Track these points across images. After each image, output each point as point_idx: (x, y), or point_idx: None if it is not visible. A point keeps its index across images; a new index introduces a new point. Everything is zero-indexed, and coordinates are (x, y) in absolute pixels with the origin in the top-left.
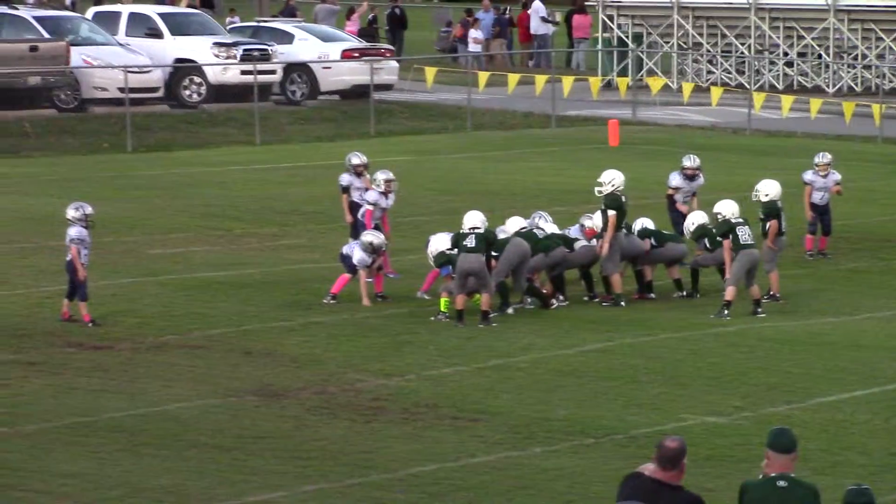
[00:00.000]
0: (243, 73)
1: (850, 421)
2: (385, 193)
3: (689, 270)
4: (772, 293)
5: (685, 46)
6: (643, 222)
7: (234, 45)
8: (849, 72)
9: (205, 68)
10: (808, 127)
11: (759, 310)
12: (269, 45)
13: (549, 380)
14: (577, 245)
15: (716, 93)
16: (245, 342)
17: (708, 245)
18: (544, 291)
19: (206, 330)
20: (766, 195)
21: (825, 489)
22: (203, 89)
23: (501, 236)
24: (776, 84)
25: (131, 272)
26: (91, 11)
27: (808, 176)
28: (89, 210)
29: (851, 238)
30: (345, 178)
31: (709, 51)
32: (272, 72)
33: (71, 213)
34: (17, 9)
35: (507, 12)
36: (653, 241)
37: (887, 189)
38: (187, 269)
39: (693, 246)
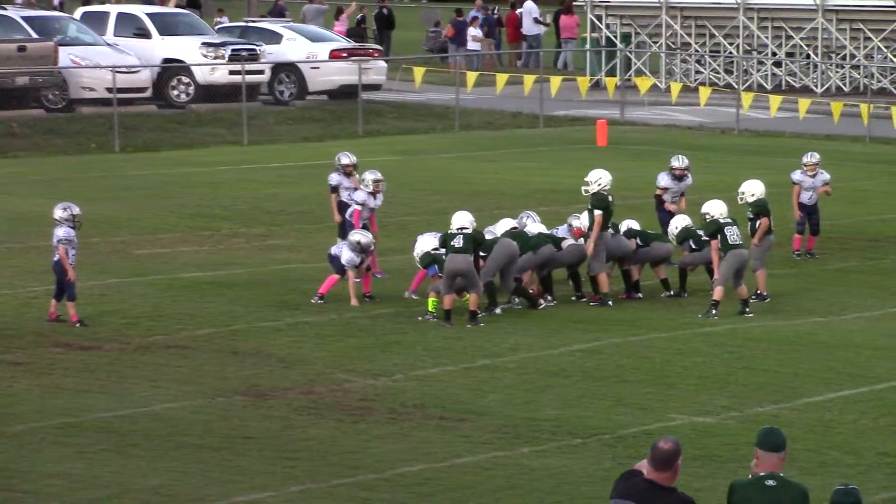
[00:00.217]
0: (231, 73)
1: (838, 421)
2: (373, 193)
3: (676, 270)
4: (759, 292)
5: (673, 46)
6: (629, 223)
7: (223, 45)
8: (837, 72)
9: (193, 68)
10: (797, 127)
11: (747, 309)
12: (257, 46)
13: (537, 380)
14: (565, 244)
15: (704, 93)
16: (232, 342)
17: (693, 245)
18: (532, 291)
19: (193, 330)
20: (753, 195)
21: (813, 489)
22: (191, 89)
23: (489, 237)
24: (764, 84)
25: (119, 272)
26: (79, 11)
27: (797, 176)
28: (77, 210)
29: (839, 238)
30: (334, 178)
31: (697, 51)
32: (260, 72)
33: (58, 213)
34: (5, 9)
35: (496, 12)
36: (638, 240)
37: (875, 189)
38: (175, 269)
39: (679, 248)
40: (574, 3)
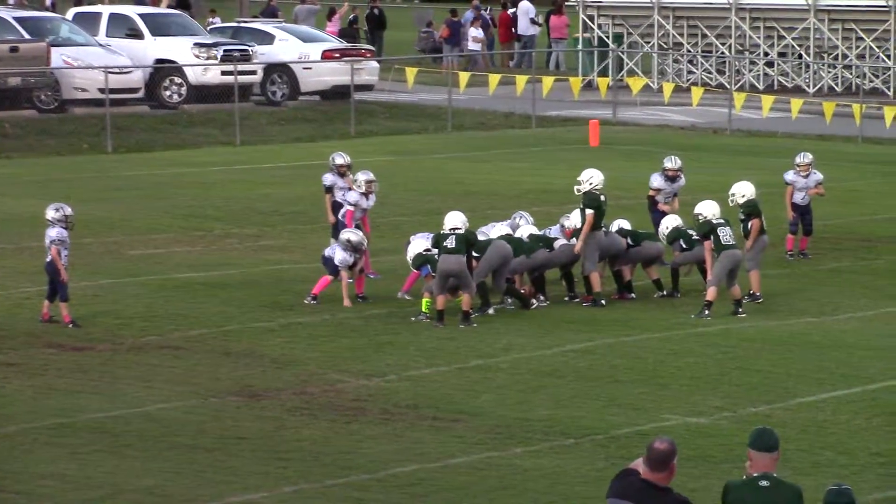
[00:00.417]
0: (224, 73)
1: (831, 421)
2: (366, 194)
3: (668, 271)
4: (752, 292)
5: (666, 47)
6: (619, 223)
7: (215, 45)
8: (829, 72)
9: (185, 69)
10: (789, 127)
11: (740, 310)
12: (249, 46)
13: (530, 380)
14: (557, 244)
15: (696, 93)
16: (225, 343)
17: (683, 245)
18: (524, 292)
19: (186, 331)
20: (744, 196)
21: (806, 489)
22: (183, 90)
23: (482, 237)
24: (757, 84)
25: (111, 273)
26: (71, 12)
27: (790, 176)
28: (69, 211)
29: (832, 238)
30: (328, 178)
31: (689, 51)
32: (252, 72)
33: (51, 213)
34: None
35: (489, 12)
36: (629, 240)
37: (868, 189)
38: (168, 269)
39: (670, 248)
40: (566, 4)
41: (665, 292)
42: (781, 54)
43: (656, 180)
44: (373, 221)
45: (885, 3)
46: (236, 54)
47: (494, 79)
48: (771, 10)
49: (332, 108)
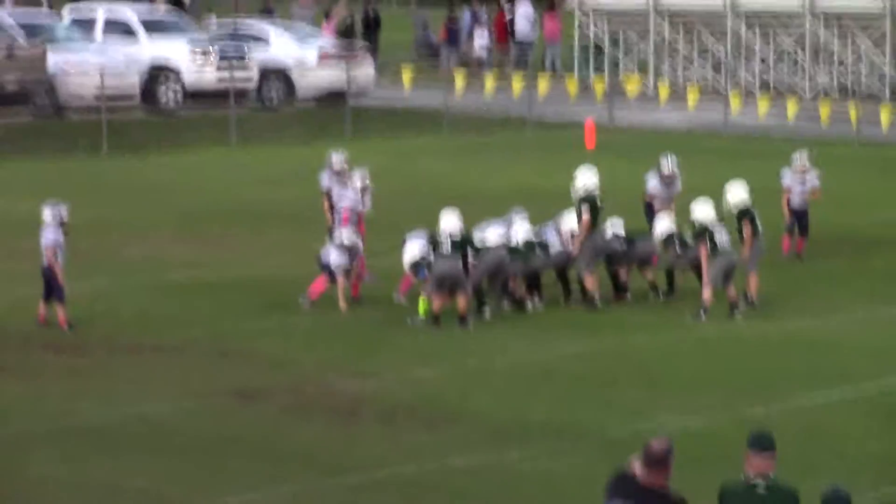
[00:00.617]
0: (220, 76)
1: (827, 422)
2: (361, 195)
3: (663, 273)
4: (748, 297)
5: (661, 49)
6: (612, 224)
7: (211, 48)
8: (825, 74)
9: (181, 72)
10: (785, 129)
11: (736, 312)
12: (245, 49)
13: (526, 382)
14: (553, 249)
15: (692, 95)
16: (221, 344)
17: (679, 247)
18: (519, 295)
19: (181, 332)
20: (736, 199)
21: (802, 491)
22: (180, 94)
23: (479, 236)
24: (752, 86)
25: (107, 275)
26: (67, 12)
27: (787, 180)
28: (65, 213)
29: (828, 240)
30: (325, 180)
31: (685, 54)
32: (248, 78)
33: (47, 216)
34: None
35: (485, 13)
36: (623, 240)
37: (864, 191)
38: (163, 271)
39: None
40: (562, 5)
41: (661, 295)
42: (778, 57)
43: (652, 183)
44: (368, 224)
45: (880, 6)
46: (232, 57)
47: (491, 81)
48: (767, 13)
49: (328, 110)
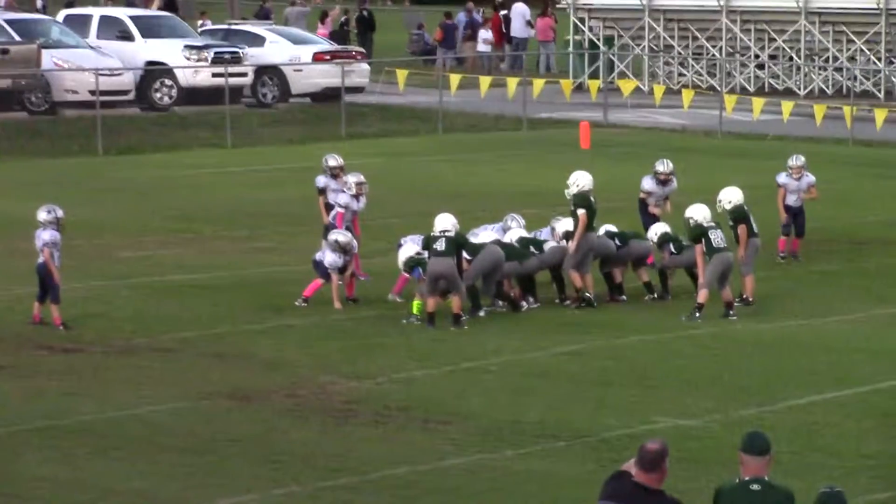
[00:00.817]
0: (214, 75)
1: (822, 423)
2: (356, 196)
3: (657, 273)
4: (744, 297)
5: (656, 49)
6: (606, 227)
7: (205, 47)
8: (820, 74)
9: (176, 71)
10: (780, 129)
11: (731, 312)
12: (239, 48)
13: (520, 382)
14: (547, 246)
15: (687, 95)
16: (216, 345)
17: (673, 249)
18: (513, 294)
19: (177, 333)
20: (730, 202)
21: (797, 492)
22: (174, 92)
23: (473, 240)
24: (747, 86)
25: (102, 275)
26: (62, 14)
27: (782, 178)
28: (60, 213)
29: (823, 240)
30: (321, 180)
31: (680, 53)
32: (243, 74)
33: (42, 215)
34: None
35: (481, 14)
36: (617, 241)
37: (859, 191)
38: (158, 271)
39: (659, 252)
40: (557, 6)
41: (656, 295)
42: (772, 57)
43: (648, 183)
44: (363, 223)
45: (875, 6)
46: (227, 56)
47: (486, 81)
48: (762, 13)
49: (323, 110)
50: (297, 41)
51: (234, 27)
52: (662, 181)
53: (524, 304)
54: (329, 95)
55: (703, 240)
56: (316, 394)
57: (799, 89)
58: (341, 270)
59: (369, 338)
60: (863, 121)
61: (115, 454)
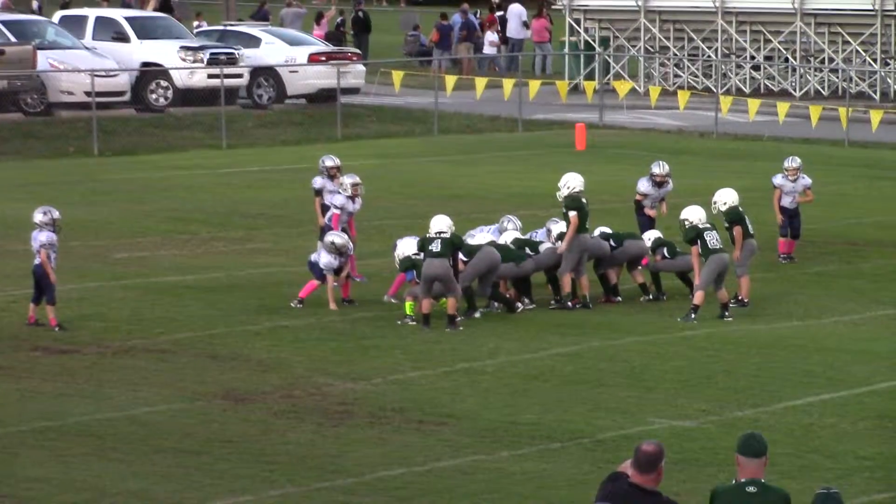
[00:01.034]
0: (210, 76)
1: (818, 424)
2: (352, 197)
3: (650, 275)
4: (740, 297)
5: (652, 50)
6: (600, 229)
7: (201, 48)
8: (816, 75)
9: (171, 72)
10: (776, 130)
11: (727, 314)
12: (235, 49)
13: (516, 384)
14: (542, 248)
15: (683, 97)
16: (212, 346)
17: (667, 254)
18: (508, 296)
19: (172, 334)
20: (725, 203)
21: (793, 493)
22: (169, 93)
23: (469, 241)
24: (743, 88)
25: (98, 276)
26: (58, 15)
27: (778, 180)
28: (56, 214)
29: (819, 241)
30: (318, 181)
31: (676, 54)
32: (239, 75)
33: (38, 217)
34: None
35: (478, 15)
36: (612, 242)
37: (854, 192)
38: (154, 272)
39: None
40: (552, 7)
41: (651, 296)
42: (768, 58)
43: (643, 185)
44: (359, 225)
45: (871, 7)
46: (222, 58)
47: (481, 82)
48: (757, 14)
49: (319, 111)
50: (292, 42)
51: (229, 28)
52: (658, 183)
53: (519, 305)
54: (325, 97)
55: (699, 241)
56: (311, 395)
57: (794, 91)
58: (337, 272)
59: (365, 339)
60: (858, 122)
61: (110, 455)
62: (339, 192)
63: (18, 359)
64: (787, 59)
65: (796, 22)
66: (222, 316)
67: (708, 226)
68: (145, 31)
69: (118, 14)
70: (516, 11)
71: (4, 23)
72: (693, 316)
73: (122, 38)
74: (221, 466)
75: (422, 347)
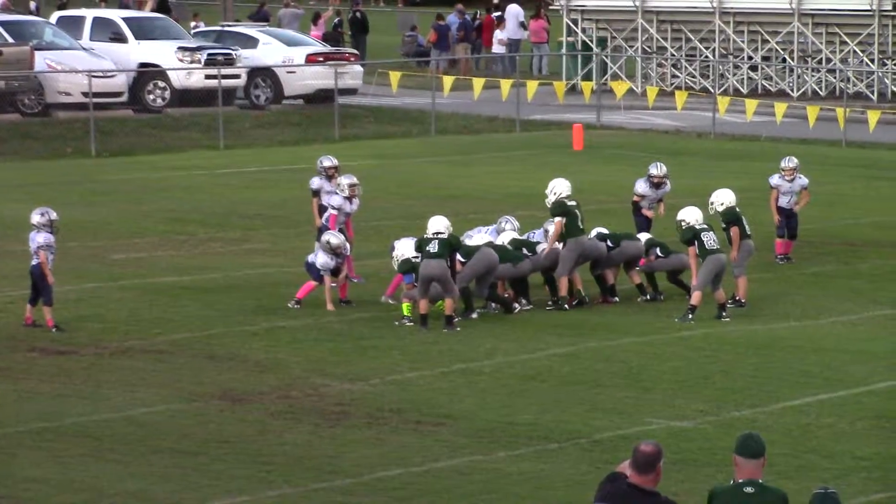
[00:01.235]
0: (207, 77)
1: (815, 424)
2: (349, 198)
3: (645, 276)
4: (737, 298)
5: (649, 50)
6: (597, 230)
7: (199, 49)
8: (813, 76)
9: (169, 73)
10: (773, 131)
11: (724, 314)
12: (233, 50)
13: (514, 384)
14: (540, 248)
15: (680, 97)
16: (209, 347)
17: (660, 253)
18: (506, 296)
19: (170, 335)
20: (722, 204)
21: (790, 493)
22: (167, 94)
23: (467, 242)
24: (740, 88)
25: (95, 277)
26: (55, 16)
27: (775, 180)
28: (54, 215)
29: (816, 242)
30: (315, 182)
31: (673, 55)
32: (236, 76)
33: (36, 218)
34: None
35: (478, 16)
36: (608, 242)
37: (851, 193)
38: (151, 273)
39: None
40: (550, 7)
41: (648, 296)
42: (765, 58)
43: (641, 186)
44: (356, 225)
45: (868, 8)
46: (220, 58)
47: (479, 83)
48: (755, 14)
49: (316, 111)
50: (290, 43)
51: (227, 29)
52: (656, 184)
53: (517, 305)
54: (322, 97)
55: (696, 242)
56: (309, 395)
57: (792, 91)
58: (334, 272)
59: (362, 339)
60: (856, 122)
61: (108, 456)
62: (337, 193)
63: (16, 360)
64: (784, 60)
65: (794, 22)
66: (220, 316)
67: (705, 226)
68: (142, 31)
69: (115, 15)
70: (514, 12)
71: (2, 23)
72: (690, 316)
73: (119, 38)
74: (219, 467)
75: (419, 348)
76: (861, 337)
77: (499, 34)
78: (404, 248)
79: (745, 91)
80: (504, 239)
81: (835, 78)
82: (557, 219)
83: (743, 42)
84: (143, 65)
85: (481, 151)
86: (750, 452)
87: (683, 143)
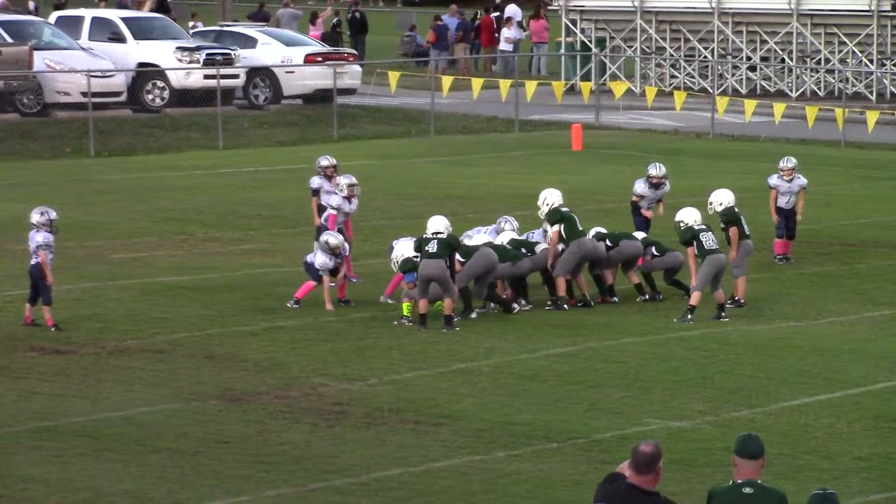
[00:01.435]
0: (206, 77)
1: (814, 425)
2: (348, 198)
3: (643, 276)
4: (736, 298)
5: (648, 51)
6: (596, 230)
7: (197, 49)
8: (812, 76)
9: (168, 73)
10: (772, 131)
11: (723, 314)
12: (231, 50)
13: (513, 384)
14: (539, 248)
15: (679, 97)
16: (208, 346)
17: (655, 252)
18: (505, 296)
19: (168, 334)
20: (721, 204)
21: (788, 494)
22: (166, 94)
23: (466, 242)
24: (739, 88)
25: (94, 276)
26: (54, 16)
27: (773, 180)
28: (53, 215)
29: (815, 242)
30: (315, 181)
31: (672, 55)
32: (235, 76)
33: (36, 217)
34: None
35: (478, 17)
36: (607, 242)
37: (850, 193)
38: (150, 273)
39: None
40: (549, 8)
41: (647, 296)
42: (764, 59)
43: (640, 187)
44: (355, 225)
45: (867, 8)
46: (219, 58)
47: (478, 83)
48: (753, 15)
49: (315, 111)
50: (288, 43)
51: (225, 29)
52: (655, 185)
53: (516, 305)
54: (321, 97)
55: (695, 242)
56: (307, 395)
57: (791, 91)
58: (333, 272)
59: (361, 339)
60: (854, 123)
61: (106, 455)
62: (336, 193)
63: (14, 359)
64: (783, 60)
65: (792, 23)
66: (218, 316)
67: (704, 227)
68: (141, 31)
69: (114, 15)
70: (512, 12)
71: (1, 23)
72: (689, 317)
73: (118, 38)
74: (217, 467)
75: (418, 348)
76: (860, 337)
77: (506, 32)
78: (403, 249)
79: (743, 91)
80: (503, 239)
81: (833, 78)
82: (554, 227)
83: (742, 42)
84: (141, 65)
85: (480, 151)
86: (749, 453)
87: (682, 144)
